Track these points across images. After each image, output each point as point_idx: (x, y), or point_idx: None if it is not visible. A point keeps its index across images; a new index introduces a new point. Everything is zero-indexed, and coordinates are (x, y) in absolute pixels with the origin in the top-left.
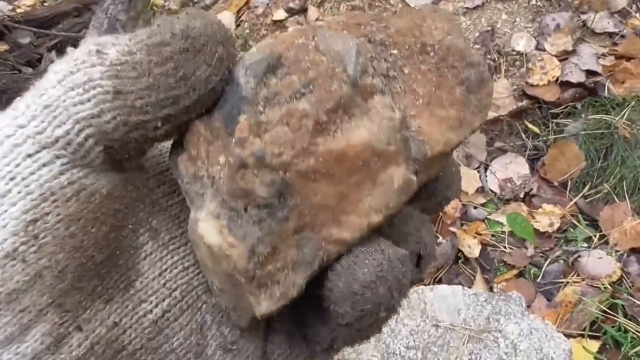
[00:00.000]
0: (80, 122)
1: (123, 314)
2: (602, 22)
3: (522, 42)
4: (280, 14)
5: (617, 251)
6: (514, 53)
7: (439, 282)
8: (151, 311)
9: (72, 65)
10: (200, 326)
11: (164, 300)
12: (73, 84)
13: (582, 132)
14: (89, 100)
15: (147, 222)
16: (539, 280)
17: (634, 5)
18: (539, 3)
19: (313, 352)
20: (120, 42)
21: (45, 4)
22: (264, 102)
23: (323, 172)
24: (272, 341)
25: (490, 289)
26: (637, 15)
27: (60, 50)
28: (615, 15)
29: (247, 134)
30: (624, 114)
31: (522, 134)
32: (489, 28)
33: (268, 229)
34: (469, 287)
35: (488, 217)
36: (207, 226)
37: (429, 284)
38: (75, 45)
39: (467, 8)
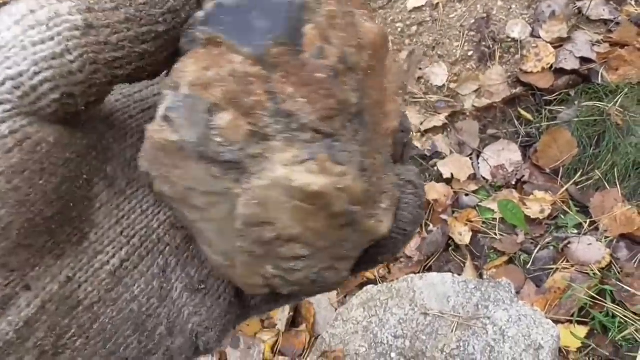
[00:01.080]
0: (39, 64)
1: (77, 268)
2: (597, 9)
3: (517, 29)
4: None
5: (607, 237)
6: (509, 40)
7: (429, 270)
8: (108, 262)
9: (34, 4)
10: (162, 270)
11: (121, 249)
12: (34, 22)
13: (575, 119)
14: (52, 38)
15: (101, 170)
16: (528, 266)
17: None
18: None
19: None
20: None
21: None
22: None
23: (370, 66)
24: None
25: (480, 276)
26: (633, 2)
27: None
28: (611, 3)
29: (320, 42)
30: (616, 101)
31: (515, 121)
32: (485, 15)
33: (362, 139)
34: (459, 275)
35: (479, 204)
36: (303, 175)
37: (418, 273)
38: None
39: None
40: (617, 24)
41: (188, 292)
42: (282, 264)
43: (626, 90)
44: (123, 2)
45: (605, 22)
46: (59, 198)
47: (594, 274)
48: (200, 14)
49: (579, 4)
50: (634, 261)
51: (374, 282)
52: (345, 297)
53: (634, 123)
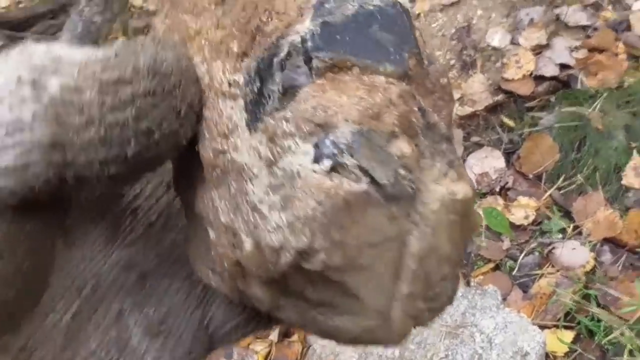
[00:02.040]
0: None
1: (31, 333)
2: (575, 15)
3: (497, 37)
4: None
5: (590, 241)
6: (490, 48)
7: None
8: (61, 319)
9: None
10: (119, 314)
11: (73, 302)
12: None
13: (556, 125)
14: (13, 147)
15: (62, 225)
16: (514, 272)
17: None
18: None
19: (261, 323)
20: (63, 71)
21: (20, 5)
22: None
23: None
24: (209, 311)
25: (468, 283)
26: (609, 7)
27: None
28: (588, 8)
29: (425, 47)
30: (596, 106)
31: (498, 128)
32: (465, 24)
33: None
34: None
35: None
36: (456, 186)
37: None
38: None
39: (443, 5)
40: (595, 29)
41: (148, 336)
42: (430, 292)
43: (605, 94)
44: (92, 118)
45: (584, 28)
46: (22, 277)
47: (578, 278)
48: (296, 39)
49: (556, 10)
50: (617, 264)
51: None
52: None
53: (613, 127)
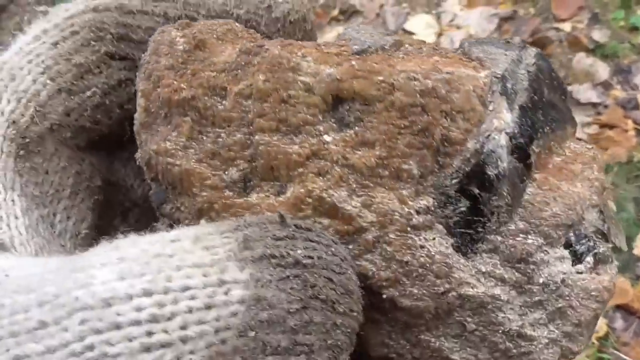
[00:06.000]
0: None
1: None
2: (586, 93)
3: None
4: None
5: None
6: None
7: None
8: None
9: None
10: None
11: None
12: None
13: None
14: None
15: None
16: None
17: (614, 78)
18: None
19: None
20: None
21: None
22: None
23: None
24: None
25: None
26: (618, 86)
27: None
28: (598, 87)
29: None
30: (607, 180)
31: None
32: None
33: None
34: None
35: None
36: None
37: None
38: None
39: None
40: (605, 106)
41: None
42: None
43: (616, 169)
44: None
45: (594, 105)
46: None
47: (592, 342)
48: (500, 138)
49: (569, 88)
50: (628, 331)
51: None
52: None
53: (624, 199)
